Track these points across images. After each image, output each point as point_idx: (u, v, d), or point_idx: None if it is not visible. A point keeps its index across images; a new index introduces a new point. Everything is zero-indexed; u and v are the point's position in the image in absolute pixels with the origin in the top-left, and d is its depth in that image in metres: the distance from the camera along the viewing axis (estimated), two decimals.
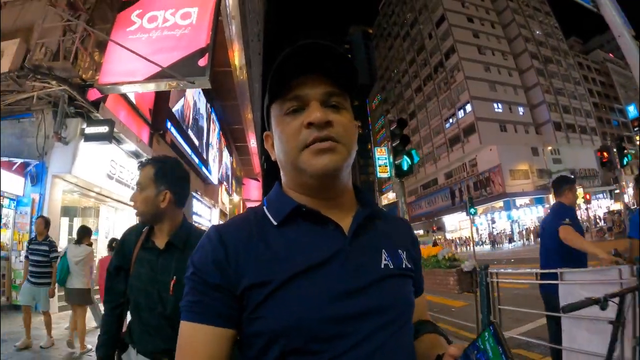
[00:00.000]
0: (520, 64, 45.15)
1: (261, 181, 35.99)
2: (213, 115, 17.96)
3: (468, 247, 33.91)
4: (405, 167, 6.43)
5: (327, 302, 0.70)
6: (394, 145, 6.63)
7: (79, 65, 8.60)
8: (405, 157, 6.36)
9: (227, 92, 17.12)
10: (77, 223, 10.79)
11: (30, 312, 5.57)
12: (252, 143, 26.66)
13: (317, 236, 0.78)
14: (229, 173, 23.71)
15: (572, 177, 4.21)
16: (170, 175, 1.80)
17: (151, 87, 8.04)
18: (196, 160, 14.51)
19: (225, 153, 21.96)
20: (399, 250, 0.84)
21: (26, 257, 5.79)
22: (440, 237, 44.51)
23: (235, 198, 25.58)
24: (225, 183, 21.83)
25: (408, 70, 57.91)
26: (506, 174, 35.55)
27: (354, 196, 0.89)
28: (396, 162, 6.44)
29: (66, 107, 7.93)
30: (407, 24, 58.57)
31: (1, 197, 7.56)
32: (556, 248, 3.13)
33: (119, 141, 9.15)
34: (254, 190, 31.77)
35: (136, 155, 10.07)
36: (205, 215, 16.67)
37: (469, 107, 41.41)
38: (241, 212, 1.03)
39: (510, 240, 34.17)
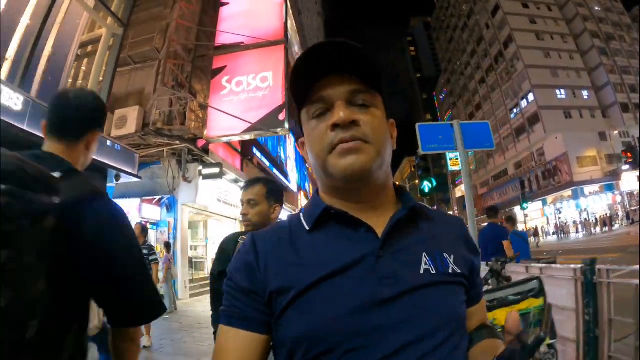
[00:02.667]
0: (581, 45, 42.81)
1: None
2: None
3: (536, 238, 33.86)
4: (427, 190, 8.75)
5: (348, 312, 0.66)
6: (419, 174, 8.97)
7: (189, 122, 11.80)
8: (427, 182, 8.64)
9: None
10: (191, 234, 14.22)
11: None
12: None
13: (347, 240, 0.73)
14: (307, 179, 26.91)
15: (496, 206, 6.49)
16: (278, 193, 2.16)
17: (245, 137, 11.03)
18: (278, 173, 17.67)
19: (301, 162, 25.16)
20: (445, 254, 0.76)
21: None
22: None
23: None
24: (303, 189, 25.02)
25: (470, 62, 57.38)
26: (573, 162, 34.83)
27: (394, 197, 0.84)
28: (420, 187, 8.74)
29: (186, 156, 11.12)
30: (464, 15, 58.16)
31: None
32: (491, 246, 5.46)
33: (223, 173, 12.32)
34: None
35: (235, 181, 13.22)
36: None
37: (531, 97, 40.82)
38: None
39: (577, 230, 32.91)
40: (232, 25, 13.11)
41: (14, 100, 6.44)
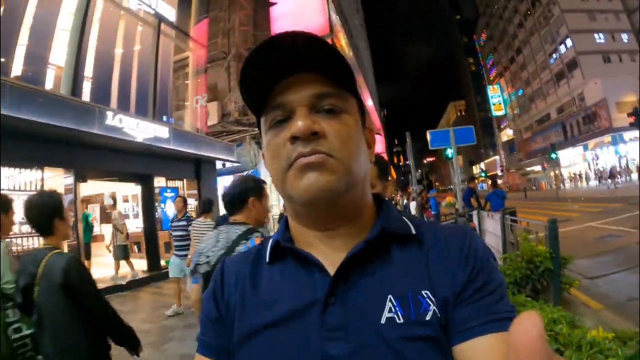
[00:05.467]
0: None
1: (382, 134, 39.71)
2: None
3: (578, 184, 34.22)
4: (450, 156, 11.34)
5: None
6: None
7: None
8: (450, 149, 11.19)
9: None
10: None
11: (179, 283, 6.02)
12: (369, 103, 32.68)
13: (300, 280, 0.61)
14: None
15: (474, 175, 9.28)
16: (386, 170, 2.31)
17: None
18: None
19: None
20: (425, 292, 0.56)
21: (170, 235, 6.28)
22: (556, 172, 43.73)
23: None
24: None
25: (507, 6, 56.09)
26: (612, 107, 34.53)
27: (373, 218, 0.66)
28: (444, 153, 11.35)
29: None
30: None
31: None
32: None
33: None
34: (377, 144, 35.36)
35: None
36: None
37: (569, 42, 40.17)
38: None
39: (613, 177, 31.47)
40: (283, 24, 15.81)
41: (164, 132, 9.73)
